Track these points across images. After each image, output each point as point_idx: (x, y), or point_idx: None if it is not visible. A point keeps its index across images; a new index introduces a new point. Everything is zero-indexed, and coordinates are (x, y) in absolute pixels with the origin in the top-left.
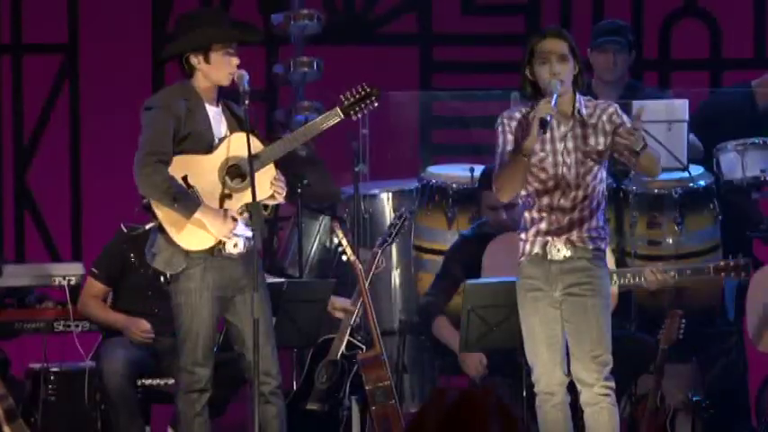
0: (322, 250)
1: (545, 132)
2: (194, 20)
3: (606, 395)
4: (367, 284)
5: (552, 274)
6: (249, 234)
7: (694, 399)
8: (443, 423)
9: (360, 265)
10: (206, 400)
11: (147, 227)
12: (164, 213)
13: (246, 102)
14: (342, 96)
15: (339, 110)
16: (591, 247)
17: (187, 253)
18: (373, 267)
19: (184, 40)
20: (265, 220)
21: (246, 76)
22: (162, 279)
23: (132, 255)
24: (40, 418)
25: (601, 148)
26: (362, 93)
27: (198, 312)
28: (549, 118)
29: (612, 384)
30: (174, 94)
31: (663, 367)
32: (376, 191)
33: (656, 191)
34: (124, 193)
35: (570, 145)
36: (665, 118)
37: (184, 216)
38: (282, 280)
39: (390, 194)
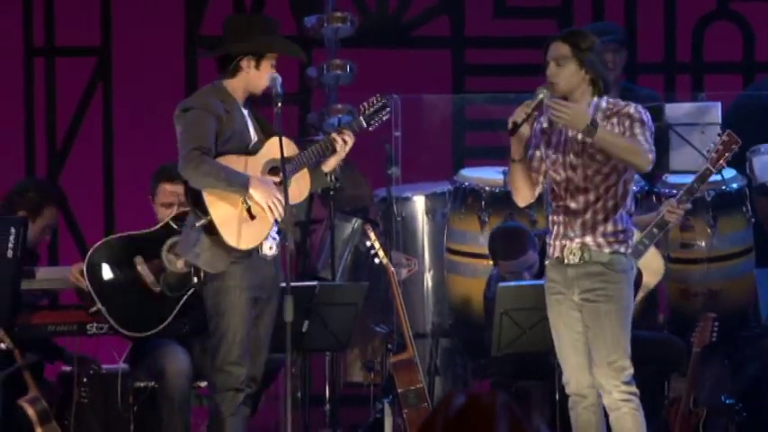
0: (355, 253)
1: (512, 135)
2: (250, 25)
3: (627, 400)
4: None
5: (569, 278)
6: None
7: (727, 401)
8: (451, 426)
9: (392, 268)
10: (241, 399)
11: (198, 224)
12: (216, 210)
13: (279, 104)
14: (361, 106)
15: (362, 119)
16: (607, 251)
17: (229, 253)
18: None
19: (244, 42)
20: (297, 223)
21: (280, 79)
22: (195, 279)
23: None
24: (73, 420)
25: None
26: (378, 104)
27: (236, 312)
28: (519, 121)
29: (633, 389)
30: (209, 95)
31: (696, 370)
32: (409, 194)
33: None
34: None
35: (578, 147)
36: (698, 121)
37: (241, 193)
38: (315, 283)
39: (423, 197)
